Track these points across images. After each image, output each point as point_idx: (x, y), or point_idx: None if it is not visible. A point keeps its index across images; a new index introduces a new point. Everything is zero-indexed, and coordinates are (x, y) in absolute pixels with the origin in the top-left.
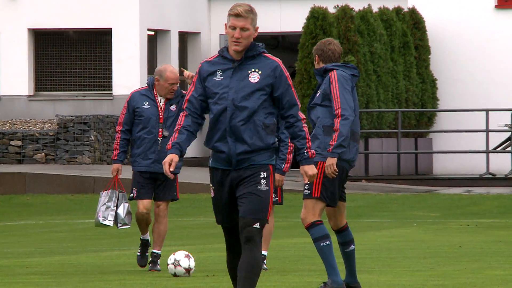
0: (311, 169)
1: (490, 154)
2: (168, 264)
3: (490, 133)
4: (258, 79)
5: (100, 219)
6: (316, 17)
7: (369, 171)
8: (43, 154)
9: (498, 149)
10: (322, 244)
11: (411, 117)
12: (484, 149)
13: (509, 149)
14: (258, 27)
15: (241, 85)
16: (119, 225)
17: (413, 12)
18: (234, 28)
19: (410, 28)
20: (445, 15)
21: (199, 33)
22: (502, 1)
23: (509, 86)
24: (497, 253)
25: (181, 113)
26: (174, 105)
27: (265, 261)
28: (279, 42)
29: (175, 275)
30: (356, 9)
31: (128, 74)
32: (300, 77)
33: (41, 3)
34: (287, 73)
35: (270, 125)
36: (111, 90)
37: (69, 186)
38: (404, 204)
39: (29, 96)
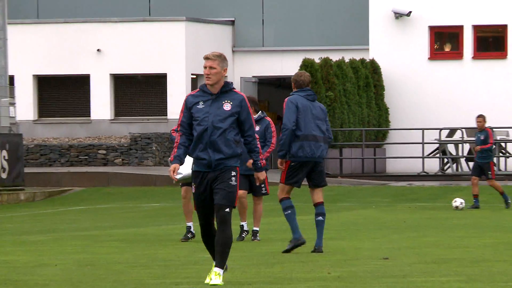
0: (261, 175)
1: (425, 159)
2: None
3: (425, 144)
4: (230, 108)
5: None
6: (306, 65)
7: (342, 171)
8: (120, 159)
9: (430, 155)
10: (285, 212)
11: (371, 134)
12: (420, 155)
13: (437, 155)
14: (226, 69)
15: (218, 112)
16: None
17: (372, 62)
18: (205, 67)
19: (371, 73)
20: (394, 64)
21: (227, 76)
22: (433, 55)
23: (438, 113)
24: (429, 226)
25: (177, 133)
26: None
27: (258, 235)
28: (281, 82)
29: None
30: (334, 60)
31: (177, 105)
32: None
33: (120, 55)
34: (248, 105)
35: (238, 140)
36: (166, 115)
37: (138, 181)
38: (366, 193)
39: (111, 119)
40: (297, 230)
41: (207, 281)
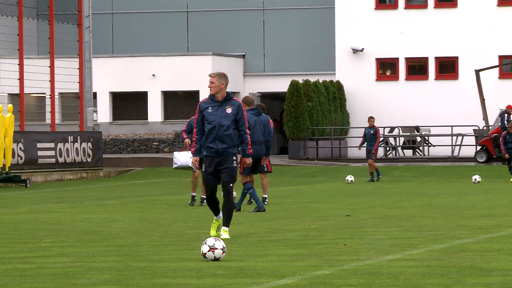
0: (248, 160)
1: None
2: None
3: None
4: (231, 111)
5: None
6: (293, 84)
7: (318, 156)
8: (167, 148)
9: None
10: (250, 191)
11: (337, 131)
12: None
13: (382, 145)
14: (224, 83)
15: (223, 114)
16: None
17: (338, 82)
18: (210, 82)
19: (337, 90)
20: (353, 84)
21: (239, 92)
22: (378, 77)
23: (383, 116)
24: (376, 193)
25: (194, 129)
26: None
27: (266, 200)
28: (276, 96)
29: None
30: (312, 80)
31: None
32: (286, 112)
33: (167, 78)
34: (243, 108)
35: (236, 134)
36: None
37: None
38: (334, 170)
39: (161, 121)
40: (259, 201)
41: (212, 233)
